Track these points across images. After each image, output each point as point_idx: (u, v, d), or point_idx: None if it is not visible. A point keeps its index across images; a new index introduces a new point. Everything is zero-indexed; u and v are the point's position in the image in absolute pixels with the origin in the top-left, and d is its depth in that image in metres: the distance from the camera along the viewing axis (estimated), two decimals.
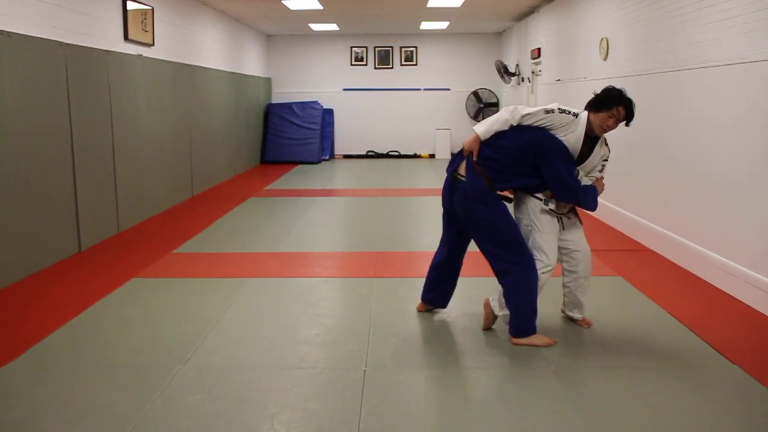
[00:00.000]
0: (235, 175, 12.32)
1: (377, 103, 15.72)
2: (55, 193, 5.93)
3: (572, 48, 9.24)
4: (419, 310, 4.56)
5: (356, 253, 6.38)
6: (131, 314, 4.58)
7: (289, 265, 5.88)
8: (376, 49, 15.64)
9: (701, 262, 5.37)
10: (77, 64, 6.31)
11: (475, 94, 15.40)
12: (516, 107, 3.95)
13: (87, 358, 3.84)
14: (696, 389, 3.41)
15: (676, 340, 4.07)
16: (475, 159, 3.91)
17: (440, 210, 4.31)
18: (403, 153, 15.82)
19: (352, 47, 15.61)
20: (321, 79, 15.65)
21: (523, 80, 12.81)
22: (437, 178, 11.51)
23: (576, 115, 3.92)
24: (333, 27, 13.98)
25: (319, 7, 11.01)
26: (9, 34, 5.27)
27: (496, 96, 15.36)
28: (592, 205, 3.95)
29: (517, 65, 13.23)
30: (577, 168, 3.95)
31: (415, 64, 15.71)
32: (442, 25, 13.76)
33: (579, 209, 4.12)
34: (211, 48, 11.01)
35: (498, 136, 3.91)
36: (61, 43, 6.03)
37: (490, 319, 4.18)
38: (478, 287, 4.93)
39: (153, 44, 8.29)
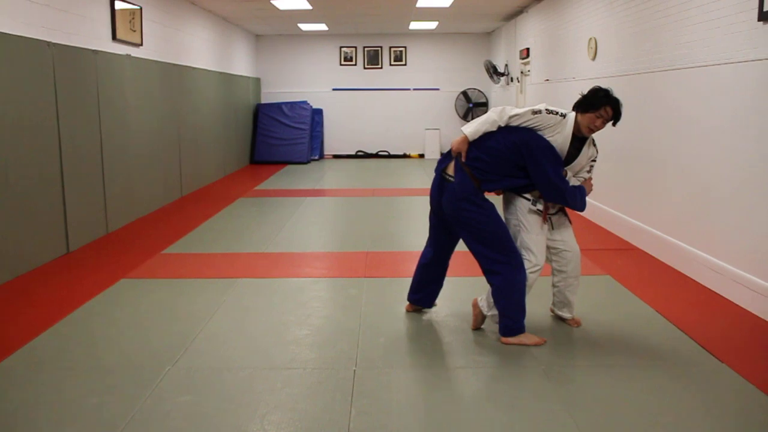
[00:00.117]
0: (225, 175, 12.29)
1: (367, 103, 15.72)
2: (43, 194, 5.90)
3: (561, 48, 9.27)
4: (408, 311, 4.57)
5: (346, 253, 6.38)
6: (120, 315, 4.56)
7: (279, 266, 5.87)
8: (366, 49, 15.64)
9: (690, 261, 5.40)
10: (65, 64, 6.27)
11: (465, 94, 15.43)
12: (504, 108, 3.96)
13: (76, 359, 3.83)
14: (685, 387, 3.43)
15: (664, 338, 4.10)
16: (463, 160, 3.92)
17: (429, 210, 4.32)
18: (392, 153, 15.83)
19: (341, 47, 15.60)
20: (310, 79, 15.63)
21: (512, 80, 12.85)
22: (427, 178, 11.53)
23: (563, 115, 3.93)
24: (322, 27, 13.96)
25: (308, 6, 10.99)
26: None
27: (485, 96, 15.39)
28: (581, 206, 3.97)
29: (506, 65, 13.26)
30: (565, 169, 3.97)
31: (405, 64, 15.72)
32: (431, 25, 13.77)
33: (568, 209, 4.14)
34: (200, 48, 10.97)
35: (486, 137, 3.92)
36: (49, 43, 6.00)
37: (479, 318, 4.19)
38: (467, 287, 4.94)
39: (141, 44, 8.26)
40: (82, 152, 6.59)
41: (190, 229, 7.39)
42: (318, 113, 15.31)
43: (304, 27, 13.96)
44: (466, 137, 3.92)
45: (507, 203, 4.12)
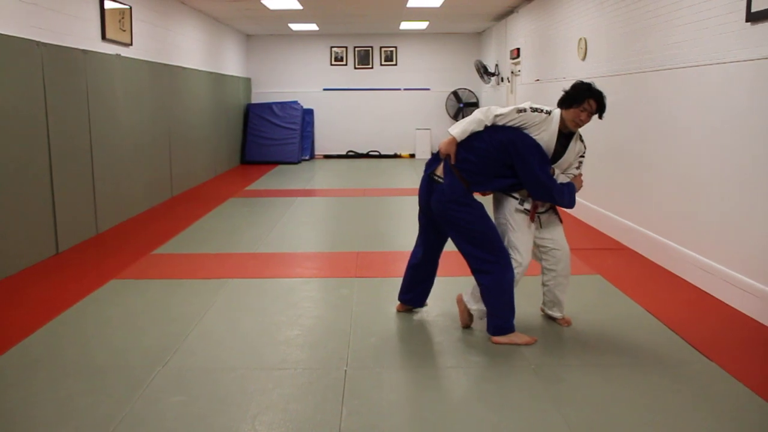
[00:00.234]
0: (215, 175, 12.25)
1: (357, 103, 15.72)
2: (32, 195, 5.87)
3: (551, 48, 9.29)
4: (398, 311, 4.57)
5: (337, 254, 6.37)
6: (111, 316, 4.55)
7: (270, 266, 5.86)
8: (356, 49, 15.63)
9: (680, 261, 5.43)
10: (54, 64, 6.24)
11: (455, 94, 15.45)
12: (489, 108, 3.98)
13: (66, 360, 3.81)
14: (675, 386, 3.44)
15: (655, 337, 4.11)
16: (452, 163, 3.93)
17: None
18: (383, 153, 15.83)
19: (331, 47, 15.59)
20: (301, 79, 15.62)
21: (502, 80, 12.87)
22: (417, 178, 11.47)
23: (549, 112, 3.95)
24: (312, 27, 13.95)
25: (299, 6, 10.98)
26: None
27: (475, 96, 15.41)
28: (569, 203, 3.98)
29: (497, 65, 13.29)
30: (553, 166, 3.98)
31: (395, 64, 15.73)
32: (422, 25, 13.78)
33: (560, 207, 4.15)
34: (190, 48, 10.94)
35: (473, 138, 3.93)
36: (38, 43, 5.96)
37: (466, 314, 4.21)
38: (458, 287, 4.94)
39: (131, 44, 8.23)
40: (71, 153, 6.56)
41: (181, 229, 7.37)
42: (309, 113, 15.29)
43: (295, 27, 13.95)
44: (454, 138, 3.92)
45: (496, 202, 4.14)
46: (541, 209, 4.08)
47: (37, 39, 5.99)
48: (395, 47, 15.66)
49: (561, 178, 4.02)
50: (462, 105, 15.31)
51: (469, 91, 15.45)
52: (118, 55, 7.79)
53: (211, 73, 12.09)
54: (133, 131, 8.20)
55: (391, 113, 15.75)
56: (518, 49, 11.29)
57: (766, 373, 3.61)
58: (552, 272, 4.19)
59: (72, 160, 6.58)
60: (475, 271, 3.98)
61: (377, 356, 3.84)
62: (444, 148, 3.95)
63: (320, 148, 15.79)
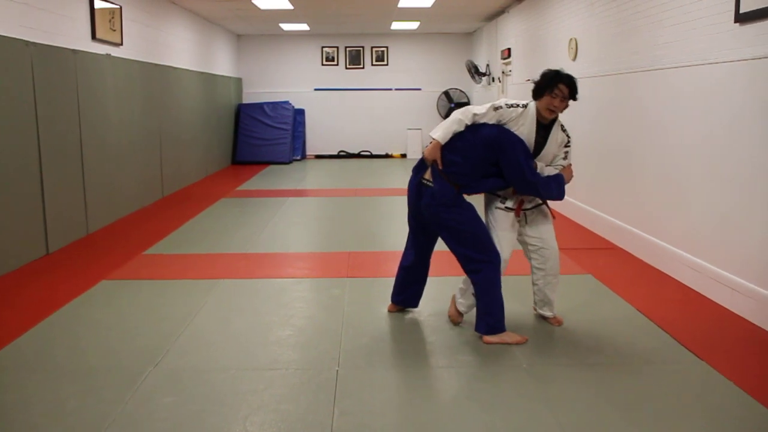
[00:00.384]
0: (206, 175, 12.23)
1: (349, 103, 15.71)
2: (22, 195, 5.84)
3: (542, 48, 9.32)
4: (390, 311, 4.57)
5: (328, 254, 6.37)
6: (101, 317, 4.53)
7: (261, 266, 5.86)
8: (347, 49, 15.63)
9: (670, 260, 5.45)
10: (44, 64, 6.21)
11: (446, 94, 15.47)
12: (467, 108, 4.00)
13: (56, 361, 3.79)
14: (665, 385, 3.46)
15: (645, 336, 4.13)
16: (440, 168, 3.93)
17: None
18: (374, 153, 15.83)
19: (323, 47, 15.58)
20: (292, 79, 15.60)
21: (493, 80, 12.90)
22: (409, 178, 11.52)
23: (525, 106, 3.98)
24: (304, 27, 13.93)
25: (290, 6, 10.97)
26: None
27: (467, 96, 15.43)
28: (558, 195, 3.99)
29: (488, 65, 13.31)
30: (535, 160, 4.00)
31: (386, 64, 15.73)
32: (413, 25, 13.79)
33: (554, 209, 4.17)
34: (181, 47, 10.91)
35: (456, 138, 3.93)
36: (27, 42, 5.94)
37: (453, 308, 4.27)
38: (449, 287, 4.95)
39: (121, 43, 8.20)
40: (61, 153, 6.53)
41: (172, 229, 7.35)
42: (300, 113, 15.27)
43: (286, 27, 13.93)
44: (438, 143, 3.93)
45: (485, 200, 4.20)
46: (528, 206, 4.10)
47: (27, 39, 5.96)
48: (386, 47, 15.67)
49: (549, 170, 4.04)
50: (453, 105, 15.32)
51: (461, 91, 15.47)
52: (108, 55, 7.76)
53: (202, 73, 12.06)
54: (124, 131, 8.17)
55: (382, 113, 15.75)
56: (509, 49, 11.32)
57: (757, 371, 3.64)
58: (541, 271, 4.20)
59: (62, 160, 6.55)
60: (468, 271, 4.00)
61: (369, 356, 3.84)
62: (429, 154, 3.95)
63: (311, 148, 15.77)
